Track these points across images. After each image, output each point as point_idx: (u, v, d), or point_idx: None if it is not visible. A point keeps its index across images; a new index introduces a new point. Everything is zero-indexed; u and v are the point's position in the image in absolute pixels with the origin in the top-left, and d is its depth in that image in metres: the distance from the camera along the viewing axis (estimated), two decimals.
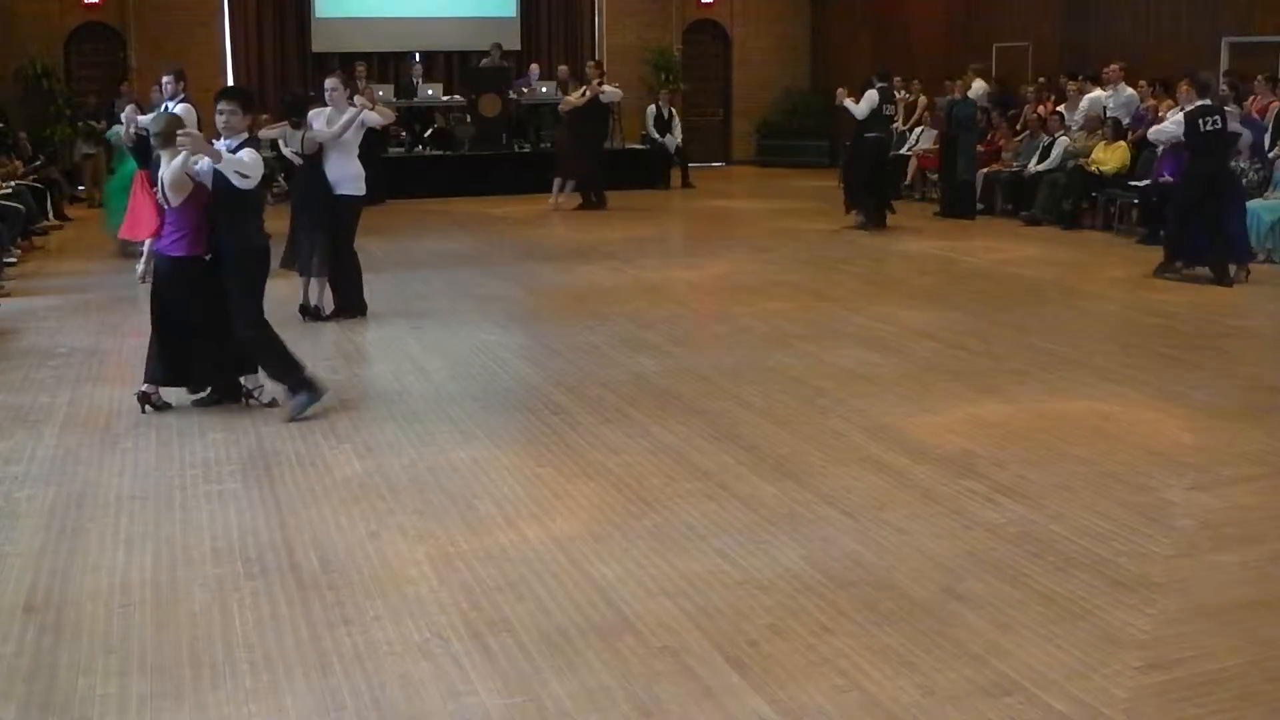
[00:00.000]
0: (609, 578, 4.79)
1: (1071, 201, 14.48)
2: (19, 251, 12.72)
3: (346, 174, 9.46)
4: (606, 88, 16.62)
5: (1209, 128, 10.96)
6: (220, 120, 6.95)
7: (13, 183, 13.91)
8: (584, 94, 16.44)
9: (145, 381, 7.11)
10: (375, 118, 9.72)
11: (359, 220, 9.71)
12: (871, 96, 14.50)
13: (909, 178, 17.58)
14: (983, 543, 5.12)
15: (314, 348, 8.72)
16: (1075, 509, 5.49)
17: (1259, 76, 13.64)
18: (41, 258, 13.18)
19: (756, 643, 4.25)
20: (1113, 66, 15.02)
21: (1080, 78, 15.61)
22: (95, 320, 9.85)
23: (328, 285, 9.65)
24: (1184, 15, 15.66)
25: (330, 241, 9.39)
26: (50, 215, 14.99)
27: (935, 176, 16.71)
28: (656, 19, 21.97)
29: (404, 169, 18.01)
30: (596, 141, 16.65)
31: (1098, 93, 15.17)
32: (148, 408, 7.09)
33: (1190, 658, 4.14)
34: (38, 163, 15.84)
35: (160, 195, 7.05)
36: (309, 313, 9.56)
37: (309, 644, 4.27)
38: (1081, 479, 5.89)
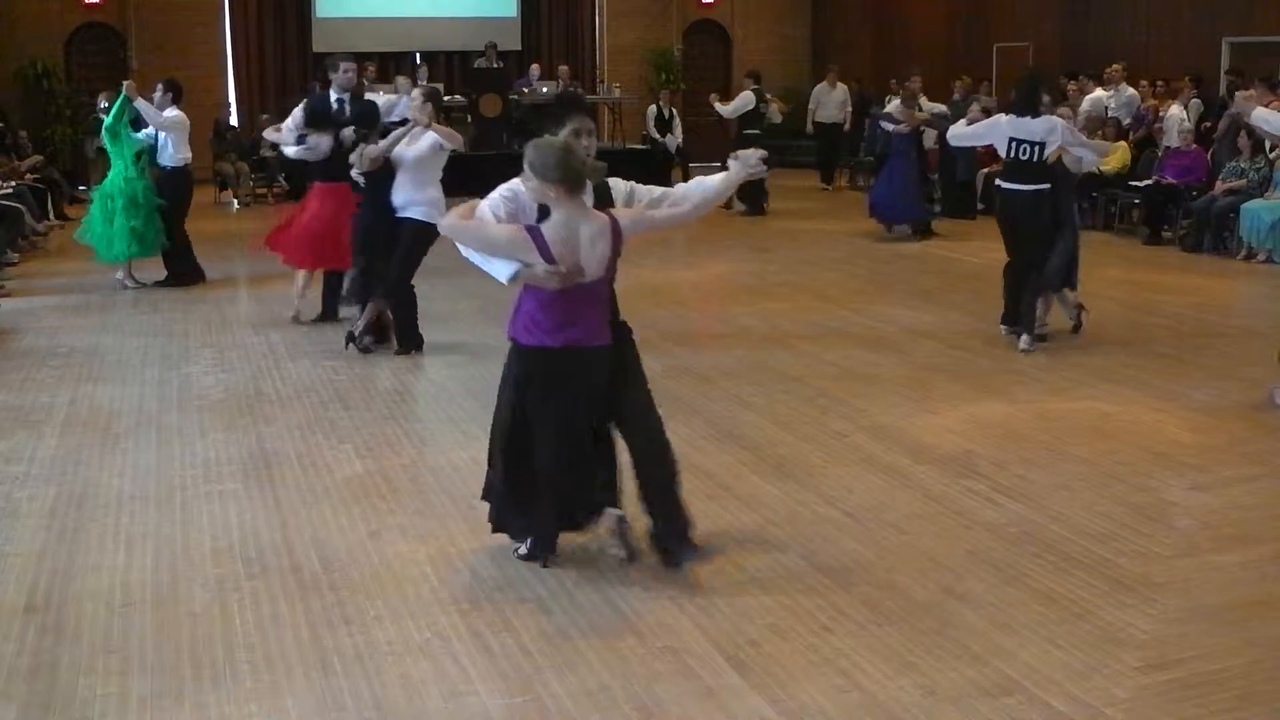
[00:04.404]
0: (609, 578, 4.79)
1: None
2: (19, 252, 12.73)
3: (418, 198, 8.20)
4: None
5: None
6: (585, 144, 4.90)
7: (13, 183, 13.91)
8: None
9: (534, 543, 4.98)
10: (448, 141, 8.22)
11: (425, 252, 8.34)
12: (747, 97, 16.01)
13: None
14: (983, 543, 5.12)
15: (314, 349, 8.73)
16: (1075, 509, 5.49)
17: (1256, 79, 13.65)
18: (41, 258, 13.18)
19: (756, 643, 4.24)
20: (1114, 67, 15.01)
21: (1081, 78, 15.60)
22: (95, 320, 9.85)
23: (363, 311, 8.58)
24: (1184, 15, 15.65)
25: (391, 269, 8.31)
26: (50, 215, 14.98)
27: (935, 176, 16.71)
28: (656, 19, 21.98)
29: None
30: None
31: (1098, 93, 15.16)
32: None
33: (1190, 658, 4.14)
34: (38, 158, 15.83)
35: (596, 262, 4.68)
36: (354, 341, 8.51)
37: (309, 644, 4.27)
38: (1081, 479, 5.89)
